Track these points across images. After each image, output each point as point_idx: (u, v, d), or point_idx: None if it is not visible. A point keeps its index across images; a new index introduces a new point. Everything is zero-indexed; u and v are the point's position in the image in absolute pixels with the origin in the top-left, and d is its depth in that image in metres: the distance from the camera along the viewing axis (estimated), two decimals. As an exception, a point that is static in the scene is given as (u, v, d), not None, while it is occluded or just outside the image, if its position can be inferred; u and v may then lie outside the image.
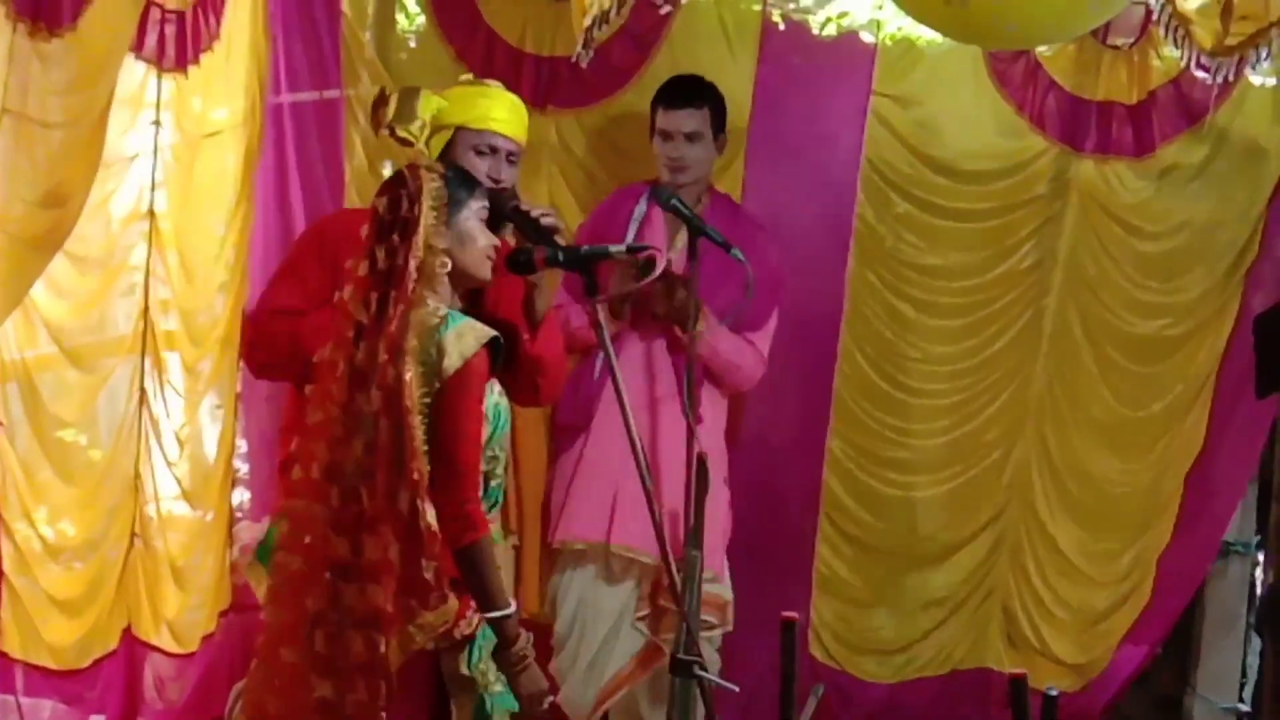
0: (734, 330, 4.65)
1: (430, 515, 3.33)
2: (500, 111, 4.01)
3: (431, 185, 3.43)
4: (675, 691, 4.24)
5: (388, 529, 3.31)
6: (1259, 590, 5.61)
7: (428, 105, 3.73)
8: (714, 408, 4.74)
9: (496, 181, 3.93)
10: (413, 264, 3.37)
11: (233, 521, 5.14)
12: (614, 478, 4.52)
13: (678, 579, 3.78)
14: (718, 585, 4.70)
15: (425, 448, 3.34)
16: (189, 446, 4.86)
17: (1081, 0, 3.87)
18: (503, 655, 3.41)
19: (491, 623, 3.40)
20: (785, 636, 3.82)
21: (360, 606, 3.31)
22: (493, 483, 3.55)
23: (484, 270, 3.56)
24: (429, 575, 3.34)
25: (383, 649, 3.30)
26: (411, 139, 3.64)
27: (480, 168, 3.93)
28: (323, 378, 3.41)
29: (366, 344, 3.36)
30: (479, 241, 3.53)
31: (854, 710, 5.45)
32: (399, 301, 3.36)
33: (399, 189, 3.44)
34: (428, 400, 3.36)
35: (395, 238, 3.40)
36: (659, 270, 3.87)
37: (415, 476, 3.32)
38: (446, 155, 3.94)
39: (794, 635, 3.83)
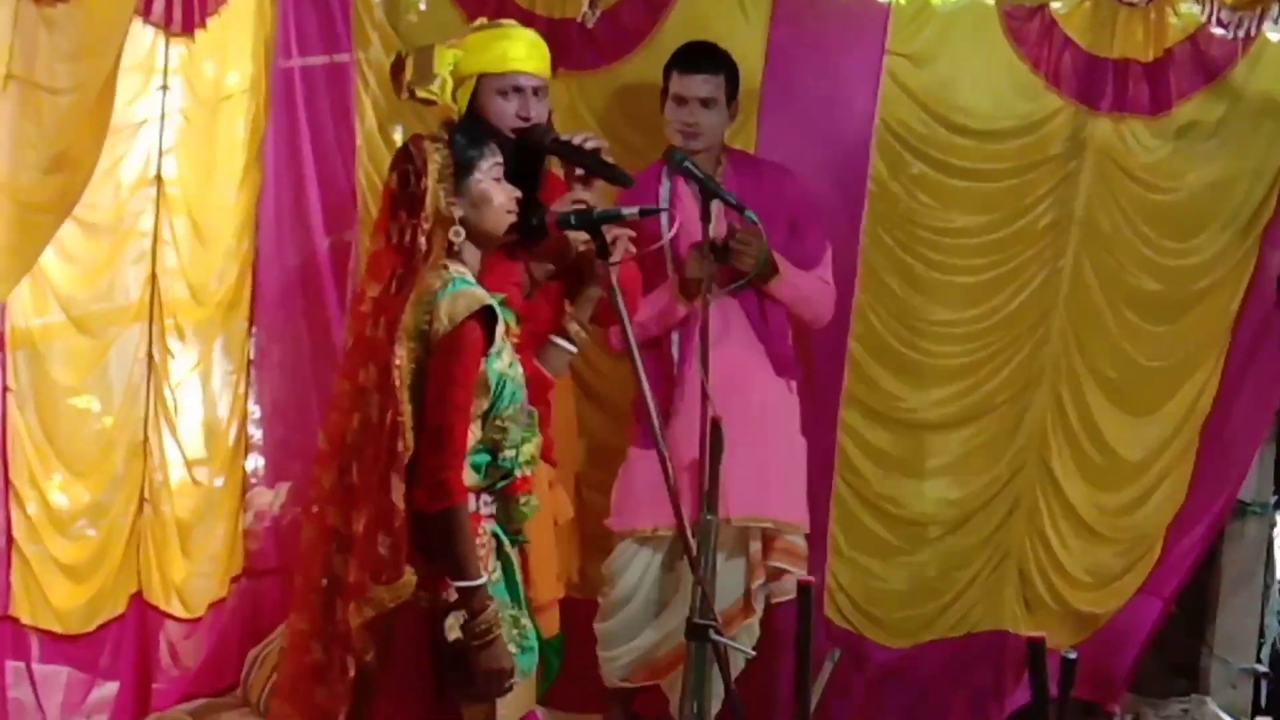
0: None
1: (397, 491, 3.32)
2: (518, 49, 3.95)
3: (436, 156, 3.41)
4: (690, 655, 4.23)
5: (365, 502, 3.35)
6: (1278, 551, 5.58)
7: (443, 60, 3.73)
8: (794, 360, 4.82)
9: (526, 119, 3.89)
10: (421, 239, 3.37)
11: (246, 488, 5.15)
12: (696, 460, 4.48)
13: (693, 544, 3.77)
14: (799, 537, 4.80)
15: (409, 419, 3.32)
16: (198, 413, 4.85)
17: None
18: (467, 626, 3.36)
19: (459, 592, 3.36)
20: (801, 600, 3.81)
21: (344, 576, 3.37)
22: (503, 453, 3.47)
23: (504, 226, 3.53)
24: (383, 550, 3.33)
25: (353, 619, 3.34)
26: (433, 98, 3.62)
27: (508, 110, 3.90)
28: (345, 353, 3.47)
29: (373, 320, 3.40)
30: (495, 200, 3.49)
31: (870, 673, 5.41)
32: (408, 277, 3.37)
33: (406, 164, 3.43)
34: (414, 370, 3.34)
35: (404, 214, 3.40)
36: (674, 230, 3.85)
37: (397, 450, 3.32)
38: (473, 104, 3.89)
39: (810, 598, 3.82)
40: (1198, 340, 5.36)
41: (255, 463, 5.25)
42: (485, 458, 3.44)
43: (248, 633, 5.06)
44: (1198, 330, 5.36)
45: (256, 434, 5.24)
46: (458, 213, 3.42)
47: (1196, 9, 5.02)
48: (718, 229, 4.47)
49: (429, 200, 3.38)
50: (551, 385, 3.85)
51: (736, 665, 4.56)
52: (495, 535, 3.50)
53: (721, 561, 4.64)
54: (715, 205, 4.38)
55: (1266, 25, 4.61)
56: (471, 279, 3.45)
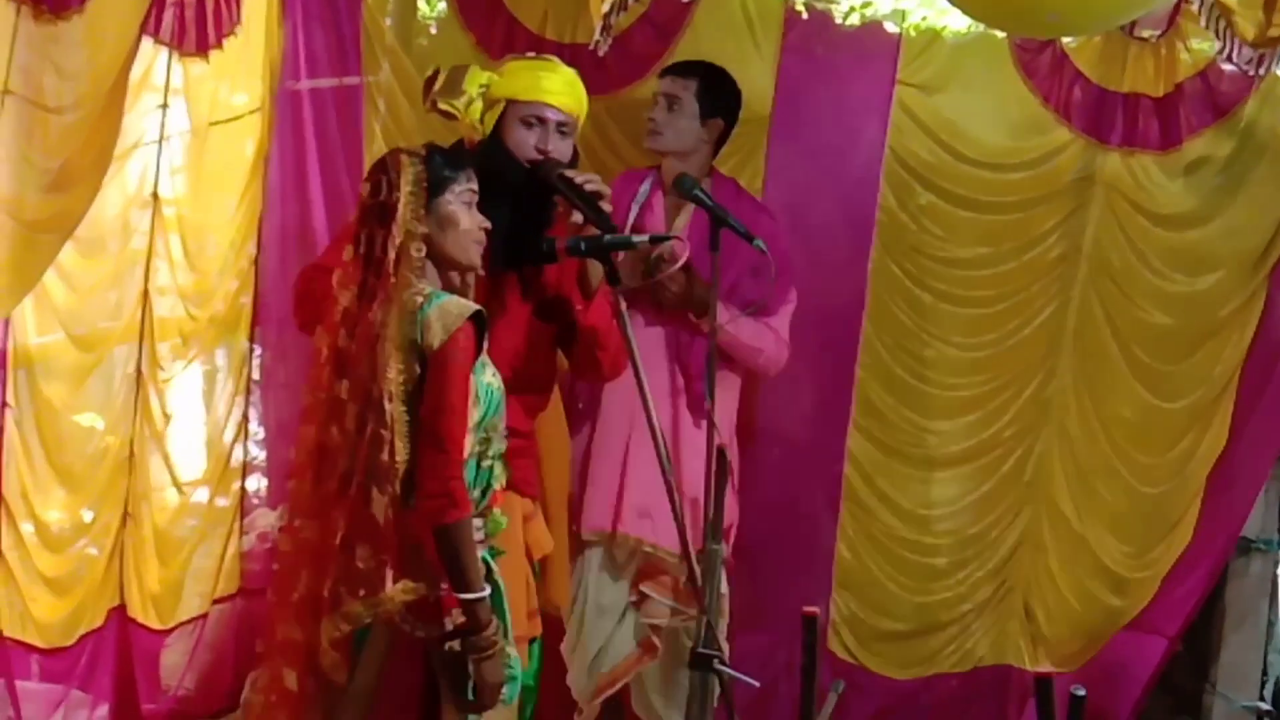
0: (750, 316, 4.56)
1: (378, 504, 3.28)
2: (551, 82, 3.90)
3: (410, 170, 3.38)
4: (695, 686, 4.17)
5: (339, 515, 3.31)
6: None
7: (474, 80, 3.71)
8: (725, 393, 4.63)
9: (544, 152, 3.84)
10: (391, 251, 3.34)
11: (247, 508, 5.09)
12: (619, 465, 4.46)
13: (698, 572, 3.73)
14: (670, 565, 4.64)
15: (404, 431, 3.28)
16: (196, 431, 4.80)
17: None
18: (470, 640, 3.32)
19: (463, 604, 3.31)
20: (807, 632, 3.76)
21: (318, 591, 3.35)
22: (484, 464, 3.44)
23: (469, 255, 3.48)
24: (361, 563, 3.29)
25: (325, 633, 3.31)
26: (455, 112, 3.61)
27: (528, 139, 3.85)
28: (314, 362, 3.43)
29: (346, 330, 3.36)
30: (461, 224, 3.44)
31: (874, 706, 5.35)
32: (379, 288, 3.34)
33: (380, 174, 3.41)
34: (408, 383, 3.30)
35: (374, 224, 3.38)
36: (680, 262, 3.81)
37: (380, 462, 3.28)
38: (498, 129, 3.85)
39: (815, 630, 3.77)
40: (1207, 378, 5.28)
41: (258, 483, 5.19)
42: (471, 469, 3.40)
43: (244, 653, 4.99)
44: (1207, 368, 5.28)
45: (260, 454, 5.19)
46: (421, 229, 3.38)
47: (1207, 45, 5.00)
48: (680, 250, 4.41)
49: (400, 212, 3.35)
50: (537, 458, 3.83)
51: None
52: (485, 559, 3.44)
53: (609, 582, 4.61)
54: (673, 215, 4.42)
55: (1277, 63, 4.54)
56: (445, 294, 3.40)
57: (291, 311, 3.92)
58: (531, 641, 3.91)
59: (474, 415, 3.38)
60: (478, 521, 3.42)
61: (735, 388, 4.75)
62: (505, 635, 3.46)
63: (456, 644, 3.33)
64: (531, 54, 4.13)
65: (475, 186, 3.49)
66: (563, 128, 3.91)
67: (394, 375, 3.30)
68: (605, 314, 3.90)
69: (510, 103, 3.87)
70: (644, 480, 4.36)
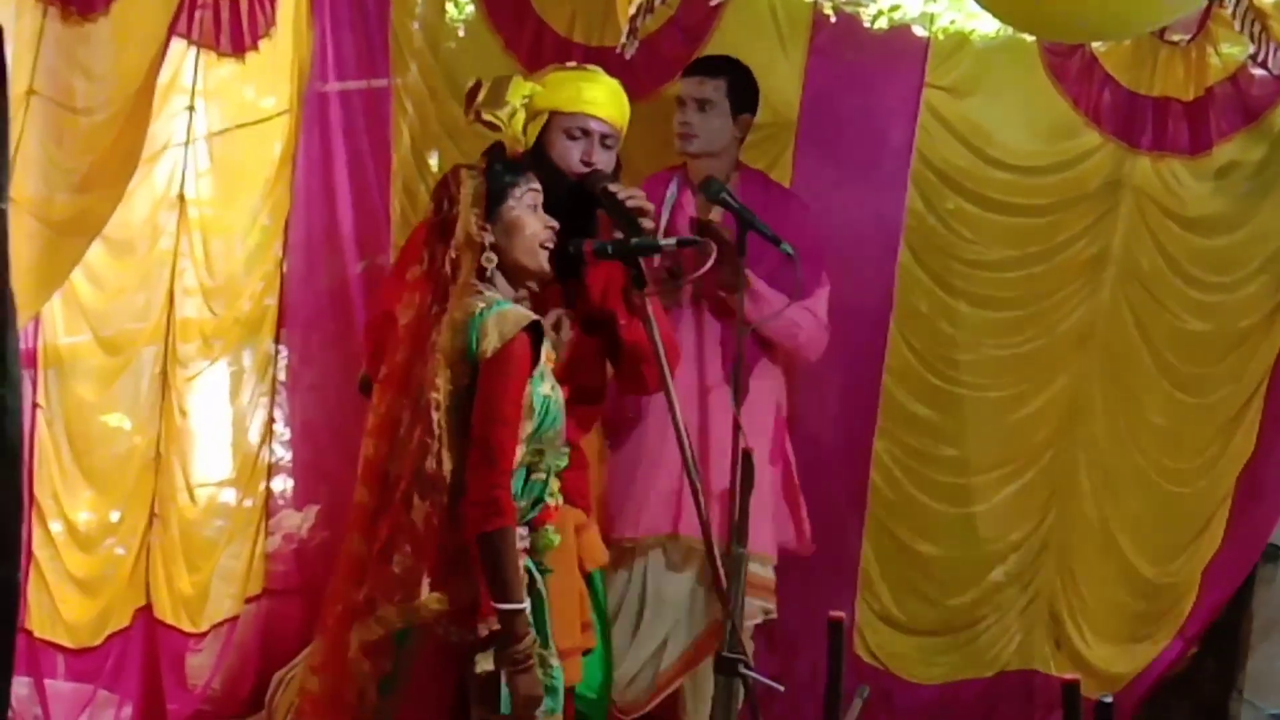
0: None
1: (419, 511, 3.27)
2: (595, 93, 3.83)
3: (469, 184, 3.37)
4: (719, 689, 4.14)
5: (385, 521, 3.31)
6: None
7: (518, 90, 3.66)
8: (767, 382, 4.66)
9: (589, 165, 3.78)
10: (448, 266, 3.33)
11: (272, 509, 5.09)
12: (678, 469, 4.41)
13: (723, 574, 3.70)
14: (768, 568, 4.65)
15: (449, 439, 3.27)
16: (222, 432, 4.79)
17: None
18: (505, 652, 3.26)
19: (500, 615, 3.26)
20: (832, 636, 3.72)
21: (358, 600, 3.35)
22: (535, 475, 3.40)
23: (538, 259, 3.44)
24: (398, 568, 3.28)
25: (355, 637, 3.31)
26: (498, 123, 3.57)
27: (573, 151, 3.78)
28: (379, 382, 3.46)
29: (407, 347, 3.37)
30: (527, 229, 3.41)
31: (899, 711, 5.31)
32: (439, 303, 3.33)
33: (442, 192, 3.41)
34: (456, 391, 3.28)
35: (437, 241, 3.38)
36: (710, 262, 3.78)
37: (424, 469, 3.26)
38: (541, 140, 3.79)
39: (841, 635, 3.73)
40: (1236, 382, 5.22)
41: (284, 484, 5.19)
42: (520, 479, 3.37)
43: (268, 653, 4.98)
44: (1236, 372, 5.22)
45: (286, 455, 5.19)
46: (488, 239, 3.36)
47: (1237, 49, 4.96)
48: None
49: (460, 225, 3.34)
50: (586, 466, 3.77)
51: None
52: (528, 570, 3.40)
53: (688, 584, 4.60)
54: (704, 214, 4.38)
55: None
56: (508, 303, 3.37)
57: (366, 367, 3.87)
58: (585, 653, 3.87)
59: (527, 426, 3.33)
60: (522, 531, 3.38)
61: (777, 377, 4.73)
62: (545, 646, 3.41)
63: (490, 656, 3.28)
64: (574, 64, 4.05)
65: (538, 187, 3.46)
66: (606, 140, 3.84)
67: (441, 383, 3.27)
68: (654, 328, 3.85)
69: (554, 114, 3.79)
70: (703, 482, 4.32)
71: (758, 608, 4.61)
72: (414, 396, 3.33)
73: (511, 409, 3.28)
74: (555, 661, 3.44)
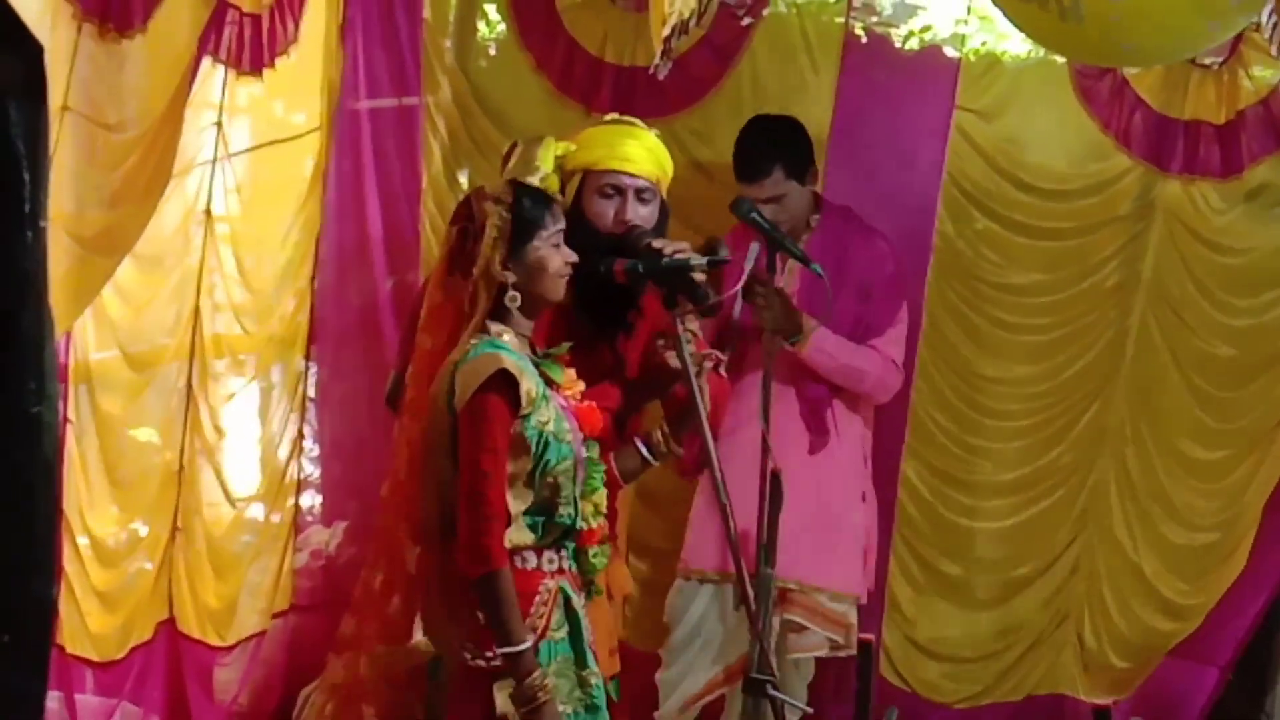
0: (859, 339, 4.53)
1: (410, 554, 3.28)
2: (629, 150, 3.71)
3: (495, 219, 3.27)
4: (747, 710, 4.09)
5: (381, 560, 3.35)
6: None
7: (548, 153, 3.55)
8: (849, 423, 4.64)
9: (624, 223, 3.67)
10: (466, 303, 3.28)
11: (301, 525, 5.07)
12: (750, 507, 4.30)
13: (751, 596, 3.66)
14: (844, 604, 4.59)
15: (435, 485, 3.24)
16: (250, 448, 4.77)
17: (1200, 20, 3.63)
18: (516, 692, 3.19)
19: (504, 658, 3.19)
20: (861, 658, 3.70)
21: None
22: (561, 510, 3.29)
23: (558, 292, 3.36)
24: (393, 611, 3.30)
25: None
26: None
27: (608, 210, 3.67)
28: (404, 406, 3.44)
29: (424, 375, 3.34)
30: (550, 267, 3.32)
31: (926, 734, 5.28)
32: (449, 338, 3.29)
33: (465, 222, 3.31)
34: (441, 436, 3.24)
35: (459, 273, 3.30)
36: (738, 288, 3.72)
37: (414, 514, 3.26)
38: (578, 200, 3.69)
39: (870, 657, 3.71)
40: (1265, 406, 5.17)
41: (312, 500, 5.16)
42: (540, 518, 3.28)
43: (295, 669, 4.96)
44: (1265, 396, 5.16)
45: (314, 471, 5.17)
46: (511, 278, 3.28)
47: (1269, 73, 4.92)
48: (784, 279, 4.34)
49: (480, 261, 3.26)
50: (620, 486, 3.63)
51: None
52: (563, 591, 3.33)
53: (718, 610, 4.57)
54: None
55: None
56: (508, 340, 3.29)
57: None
58: (611, 678, 3.82)
59: (525, 465, 3.25)
60: (552, 554, 3.33)
61: (861, 416, 4.71)
62: (584, 666, 3.35)
63: (505, 696, 3.21)
64: (612, 116, 3.94)
65: (563, 226, 3.37)
66: (643, 194, 3.71)
67: (427, 428, 3.26)
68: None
69: (587, 173, 3.71)
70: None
71: (823, 638, 4.53)
72: (409, 441, 3.33)
73: (488, 459, 3.19)
74: (596, 680, 3.37)
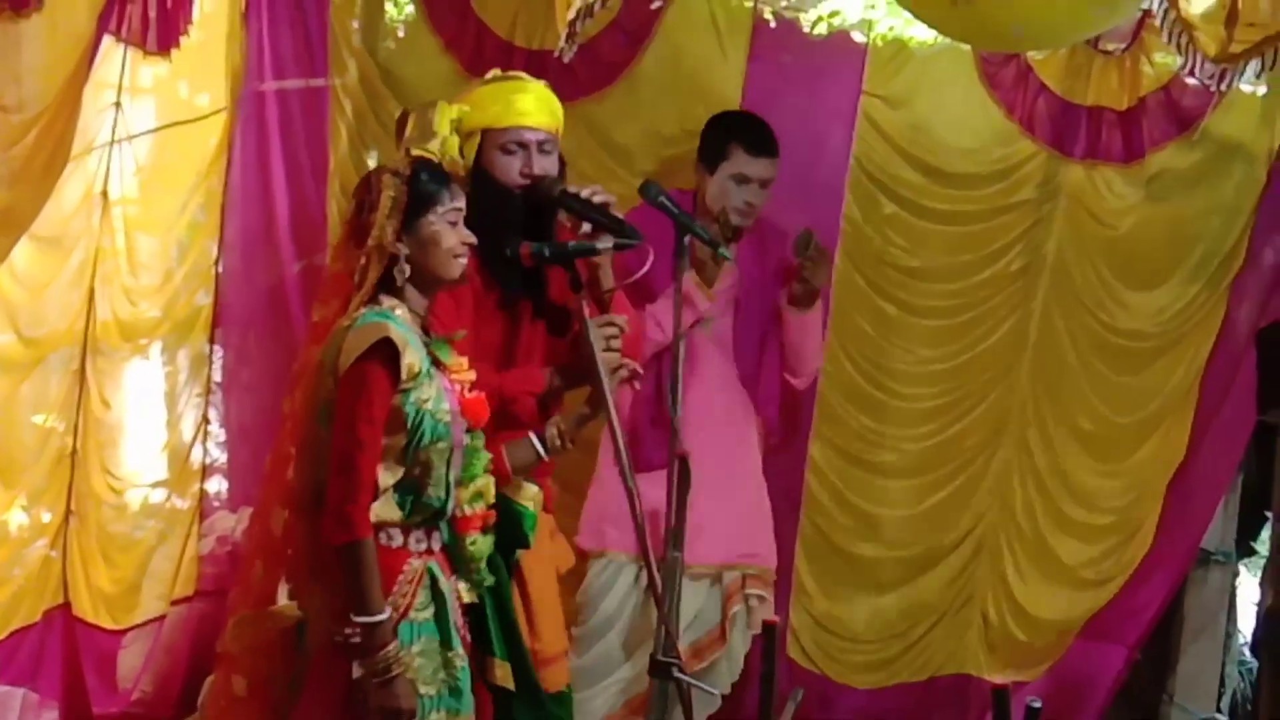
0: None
1: (277, 519, 3.29)
2: (523, 103, 3.74)
3: (390, 190, 3.28)
4: (654, 694, 4.09)
5: (254, 526, 3.40)
6: (1240, 600, 5.51)
7: (444, 118, 3.55)
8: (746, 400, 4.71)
9: (530, 175, 3.70)
10: (356, 274, 3.27)
11: (206, 511, 5.02)
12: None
13: (659, 580, 3.66)
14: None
15: (310, 451, 3.24)
16: (153, 432, 4.70)
17: (1087, 5, 3.70)
18: (368, 662, 3.18)
19: (360, 627, 3.18)
20: (766, 640, 3.69)
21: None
22: (430, 490, 3.29)
23: (451, 270, 3.35)
24: (256, 577, 3.32)
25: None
26: (431, 157, 3.48)
27: (512, 166, 3.70)
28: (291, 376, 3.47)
29: (309, 349, 3.33)
30: (444, 244, 3.32)
31: (832, 715, 5.28)
32: (342, 309, 3.27)
33: (363, 194, 3.32)
34: (320, 403, 3.24)
35: (353, 244, 3.30)
36: (647, 267, 3.72)
37: (286, 479, 3.26)
38: (480, 160, 3.70)
39: (774, 638, 3.70)
40: (1165, 390, 5.26)
41: (219, 485, 5.10)
42: (409, 496, 3.28)
43: (200, 655, 4.90)
44: (1165, 379, 5.26)
45: (221, 457, 5.11)
46: (404, 250, 3.28)
47: (1170, 59, 4.96)
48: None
49: (374, 232, 3.26)
50: (508, 479, 3.62)
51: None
52: (430, 572, 3.33)
53: (704, 588, 4.58)
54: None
55: (1241, 78, 4.48)
56: (400, 314, 3.29)
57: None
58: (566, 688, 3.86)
59: (399, 440, 3.24)
60: (419, 534, 3.33)
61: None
62: (450, 647, 3.34)
63: (360, 668, 3.21)
64: (496, 73, 3.93)
65: (461, 205, 3.36)
66: (544, 146, 3.75)
67: (307, 393, 3.24)
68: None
69: (486, 132, 3.72)
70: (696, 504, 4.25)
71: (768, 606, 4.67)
72: (293, 410, 3.33)
73: (364, 428, 3.19)
74: (461, 663, 3.37)
